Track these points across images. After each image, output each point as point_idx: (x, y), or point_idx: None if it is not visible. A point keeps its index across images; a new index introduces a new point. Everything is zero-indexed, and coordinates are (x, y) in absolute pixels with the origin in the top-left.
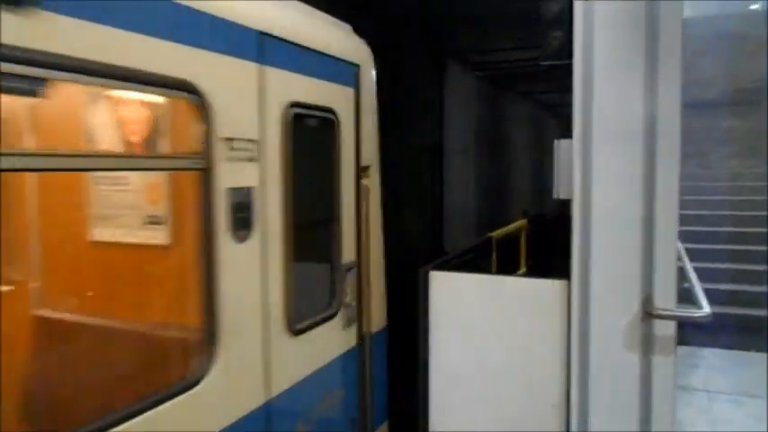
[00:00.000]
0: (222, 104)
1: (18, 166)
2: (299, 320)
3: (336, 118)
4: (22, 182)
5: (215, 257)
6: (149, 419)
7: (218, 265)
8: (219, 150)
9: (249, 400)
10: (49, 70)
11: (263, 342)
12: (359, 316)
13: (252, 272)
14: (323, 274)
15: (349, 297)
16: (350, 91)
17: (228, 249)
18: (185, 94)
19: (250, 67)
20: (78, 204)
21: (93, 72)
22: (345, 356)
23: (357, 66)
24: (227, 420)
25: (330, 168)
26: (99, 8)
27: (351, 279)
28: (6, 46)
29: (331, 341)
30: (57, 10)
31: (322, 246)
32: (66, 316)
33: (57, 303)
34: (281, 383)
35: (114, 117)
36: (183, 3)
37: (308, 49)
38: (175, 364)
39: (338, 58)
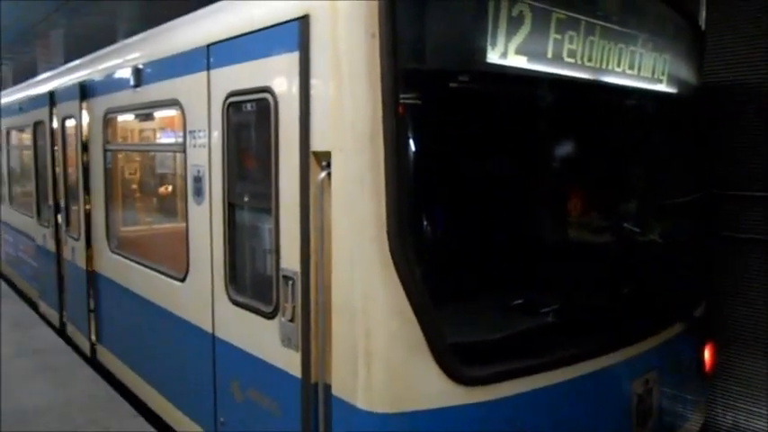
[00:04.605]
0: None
1: None
2: (238, 292)
3: (273, 97)
4: None
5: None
6: None
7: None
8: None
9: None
10: None
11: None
12: (302, 349)
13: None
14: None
15: (288, 313)
16: (291, 57)
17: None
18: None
19: (202, 76)
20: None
21: None
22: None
23: (302, 18)
24: None
25: (265, 155)
26: None
27: (291, 293)
28: None
29: (262, 341)
30: None
31: (257, 245)
32: None
33: None
34: (221, 330)
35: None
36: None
37: (241, 35)
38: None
39: (264, 27)
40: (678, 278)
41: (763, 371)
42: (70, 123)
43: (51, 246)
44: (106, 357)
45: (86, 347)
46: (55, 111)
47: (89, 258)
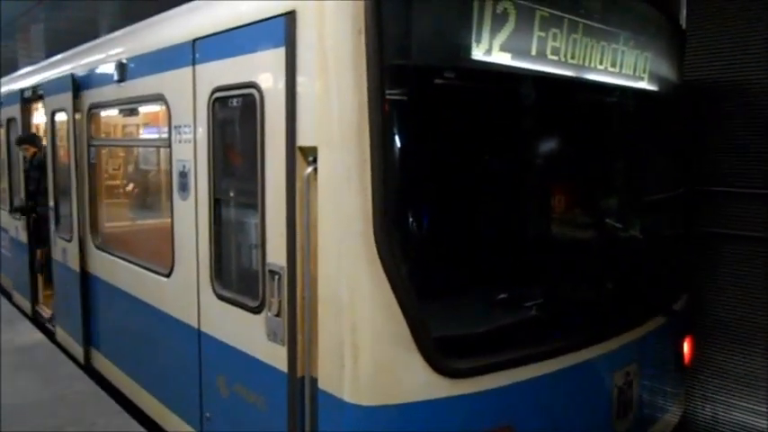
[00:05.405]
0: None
1: None
2: (224, 287)
3: (259, 92)
4: None
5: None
6: None
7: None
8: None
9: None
10: None
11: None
12: (288, 343)
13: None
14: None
15: (275, 308)
16: (277, 53)
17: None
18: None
19: (188, 71)
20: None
21: None
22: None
23: (289, 14)
24: None
25: (251, 150)
26: None
27: (278, 288)
28: None
29: (248, 336)
30: None
31: (243, 240)
32: None
33: None
34: (207, 325)
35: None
36: None
37: (227, 30)
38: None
39: (250, 23)
40: (658, 272)
41: (742, 364)
42: (60, 118)
43: (23, 237)
44: (101, 363)
45: (80, 354)
46: (40, 105)
47: (83, 259)
